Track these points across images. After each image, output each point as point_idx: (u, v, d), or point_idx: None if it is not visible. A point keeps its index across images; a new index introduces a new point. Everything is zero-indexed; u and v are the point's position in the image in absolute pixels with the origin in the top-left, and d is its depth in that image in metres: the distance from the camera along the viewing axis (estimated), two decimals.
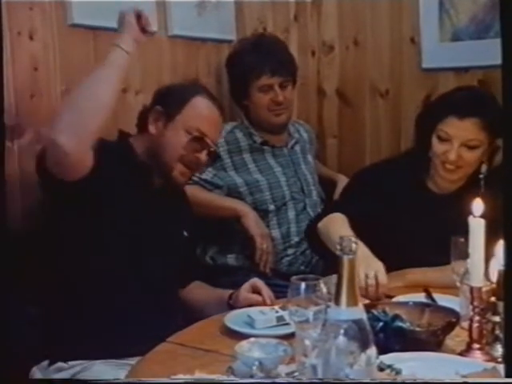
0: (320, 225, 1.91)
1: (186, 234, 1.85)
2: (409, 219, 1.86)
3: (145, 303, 1.65)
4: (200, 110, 1.76)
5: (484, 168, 1.84)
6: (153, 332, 1.47)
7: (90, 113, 1.48)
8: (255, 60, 2.28)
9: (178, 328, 1.53)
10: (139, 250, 1.67)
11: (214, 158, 1.87)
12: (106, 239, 1.62)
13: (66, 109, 1.52)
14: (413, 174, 1.93)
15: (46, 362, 1.60)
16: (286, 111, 2.34)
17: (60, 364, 1.59)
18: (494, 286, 1.34)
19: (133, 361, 1.43)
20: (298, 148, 2.43)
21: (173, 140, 1.73)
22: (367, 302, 1.50)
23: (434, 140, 1.84)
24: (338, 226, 1.82)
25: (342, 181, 2.47)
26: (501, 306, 1.32)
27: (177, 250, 1.79)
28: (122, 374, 1.41)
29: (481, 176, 1.84)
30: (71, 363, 1.58)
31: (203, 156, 1.75)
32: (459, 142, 1.79)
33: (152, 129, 1.75)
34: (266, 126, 2.34)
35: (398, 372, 1.20)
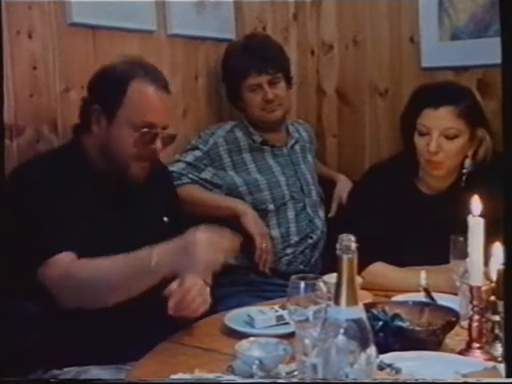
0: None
1: (166, 219, 1.80)
2: (403, 223, 1.87)
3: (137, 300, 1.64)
4: (142, 100, 1.63)
5: (468, 163, 1.85)
6: (148, 335, 1.46)
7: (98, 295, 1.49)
8: (241, 61, 2.28)
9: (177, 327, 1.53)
10: (123, 247, 1.65)
11: (172, 138, 1.73)
12: (88, 243, 1.58)
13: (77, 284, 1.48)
14: (403, 178, 1.93)
15: (40, 370, 1.57)
16: (280, 107, 2.32)
17: (55, 372, 1.56)
18: (493, 285, 1.34)
19: (129, 366, 1.42)
20: (297, 148, 2.43)
21: (121, 140, 1.62)
22: (367, 301, 1.50)
23: (416, 137, 1.86)
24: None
25: (342, 180, 2.47)
26: (500, 305, 1.32)
27: (159, 238, 1.75)
28: (119, 377, 1.41)
29: (464, 171, 1.85)
30: (66, 369, 1.55)
31: (158, 144, 1.65)
32: (438, 132, 1.81)
33: (96, 129, 1.65)
34: (261, 124, 2.33)
35: (398, 371, 1.21)
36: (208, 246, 1.39)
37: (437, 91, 1.89)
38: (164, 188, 1.85)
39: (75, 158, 1.68)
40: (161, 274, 1.43)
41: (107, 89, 1.65)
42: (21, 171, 1.65)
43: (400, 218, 1.87)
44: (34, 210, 1.56)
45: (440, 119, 1.81)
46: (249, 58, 2.27)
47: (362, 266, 1.60)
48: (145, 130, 1.62)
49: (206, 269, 1.39)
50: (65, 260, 1.50)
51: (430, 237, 1.82)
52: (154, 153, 1.67)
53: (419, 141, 1.85)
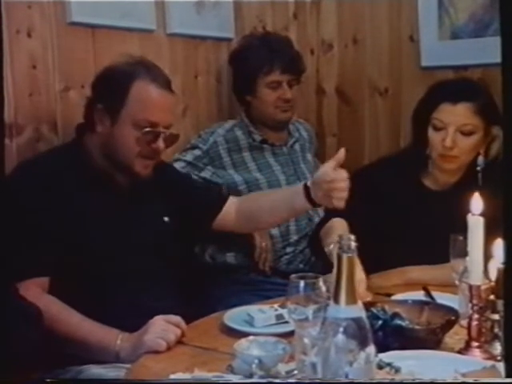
0: (322, 232, 1.89)
1: (167, 219, 1.80)
2: (407, 218, 1.86)
3: (138, 297, 1.64)
4: (144, 98, 1.63)
5: (481, 160, 1.85)
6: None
7: None
8: (266, 56, 2.28)
9: None
10: (124, 249, 1.65)
11: (175, 139, 1.74)
12: (88, 244, 1.61)
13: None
14: (409, 172, 1.93)
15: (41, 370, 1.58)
16: (291, 109, 2.35)
17: (55, 370, 1.55)
18: (493, 284, 1.34)
19: (129, 364, 1.41)
20: (297, 147, 2.43)
21: (124, 139, 1.63)
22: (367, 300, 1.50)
23: (430, 131, 1.85)
24: (338, 232, 1.81)
25: None
26: (500, 304, 1.32)
27: (160, 239, 1.75)
28: (119, 376, 1.41)
29: (478, 168, 1.85)
30: (67, 368, 1.55)
31: (161, 144, 1.65)
32: (454, 128, 1.80)
33: (99, 128, 1.66)
34: (269, 122, 2.34)
35: (397, 370, 1.21)
36: (158, 329, 1.43)
37: (455, 87, 1.88)
38: (164, 187, 1.84)
39: (77, 156, 1.69)
40: (117, 356, 1.48)
41: (110, 89, 1.65)
42: (19, 171, 1.65)
43: (403, 212, 1.87)
44: (21, 216, 1.55)
45: (457, 115, 1.80)
46: (275, 55, 2.29)
47: (366, 260, 1.58)
48: (147, 129, 1.63)
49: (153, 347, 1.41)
50: (33, 290, 1.50)
51: (432, 232, 1.82)
52: (157, 152, 1.67)
53: (434, 135, 1.84)
